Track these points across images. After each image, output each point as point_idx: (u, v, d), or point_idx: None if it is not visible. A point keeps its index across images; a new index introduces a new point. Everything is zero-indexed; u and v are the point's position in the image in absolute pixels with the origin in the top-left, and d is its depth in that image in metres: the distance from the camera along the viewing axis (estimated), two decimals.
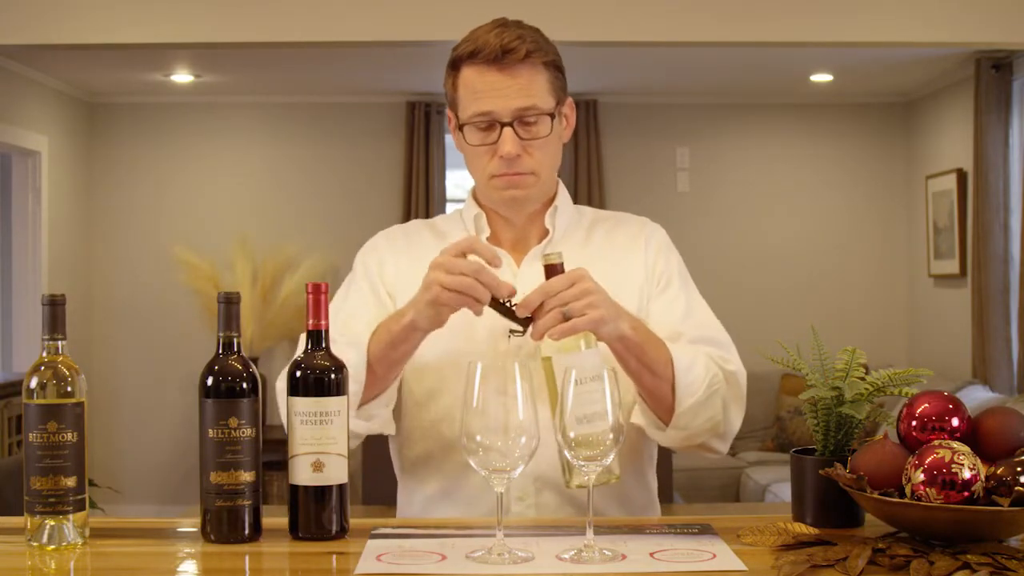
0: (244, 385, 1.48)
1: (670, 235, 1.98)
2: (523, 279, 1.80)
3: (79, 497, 1.47)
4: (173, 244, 6.70)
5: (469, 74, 1.78)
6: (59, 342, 1.48)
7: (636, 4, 4.68)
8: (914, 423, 1.47)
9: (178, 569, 1.41)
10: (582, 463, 1.39)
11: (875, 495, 1.39)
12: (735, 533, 1.49)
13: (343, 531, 1.51)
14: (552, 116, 1.79)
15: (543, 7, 4.42)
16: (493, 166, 1.78)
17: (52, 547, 1.45)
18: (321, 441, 1.49)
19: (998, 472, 1.38)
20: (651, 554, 1.40)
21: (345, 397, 1.52)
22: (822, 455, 1.58)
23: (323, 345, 1.52)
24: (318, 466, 1.49)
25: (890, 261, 7.03)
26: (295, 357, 1.55)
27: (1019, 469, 1.37)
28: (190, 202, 6.92)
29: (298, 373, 1.51)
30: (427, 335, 1.68)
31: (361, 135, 6.96)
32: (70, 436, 1.45)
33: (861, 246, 7.01)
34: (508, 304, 1.60)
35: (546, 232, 1.87)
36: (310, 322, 1.53)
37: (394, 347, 1.69)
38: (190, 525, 1.57)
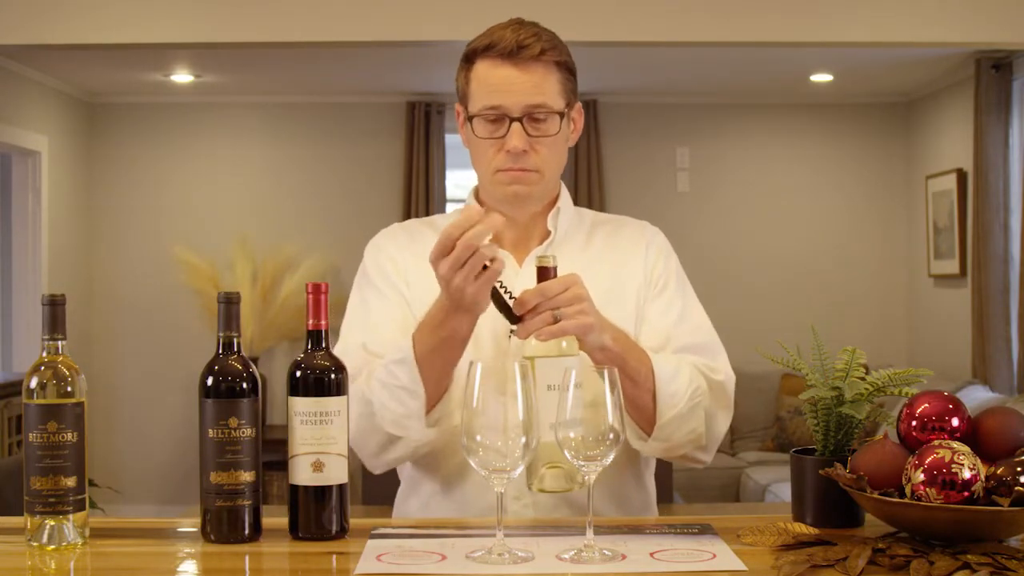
0: (244, 385, 1.48)
1: (669, 235, 1.98)
2: (524, 279, 1.80)
3: (79, 497, 1.47)
4: (173, 244, 6.70)
5: (483, 67, 1.78)
6: (59, 342, 1.48)
7: (636, 4, 4.68)
8: (914, 423, 1.47)
9: (178, 569, 1.41)
10: (582, 463, 1.39)
11: (875, 495, 1.39)
12: (735, 533, 1.49)
13: (343, 531, 1.51)
14: (561, 116, 1.79)
15: (543, 7, 4.41)
16: (499, 160, 1.79)
17: (52, 547, 1.45)
18: (321, 441, 1.49)
19: (998, 472, 1.38)
20: (651, 554, 1.40)
21: (345, 397, 1.52)
22: (822, 455, 1.58)
23: (323, 345, 1.52)
24: (318, 466, 1.49)
25: (890, 261, 7.03)
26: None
27: (1019, 469, 1.37)
28: (190, 202, 6.92)
29: (298, 373, 1.51)
30: (476, 318, 1.65)
31: (361, 135, 6.95)
32: (70, 436, 1.45)
33: (861, 246, 7.01)
34: (508, 297, 1.60)
35: (547, 233, 1.87)
36: (310, 322, 1.53)
37: (441, 352, 1.66)
38: (190, 525, 1.57)
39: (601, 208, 6.54)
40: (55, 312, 1.48)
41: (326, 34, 4.71)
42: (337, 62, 6.04)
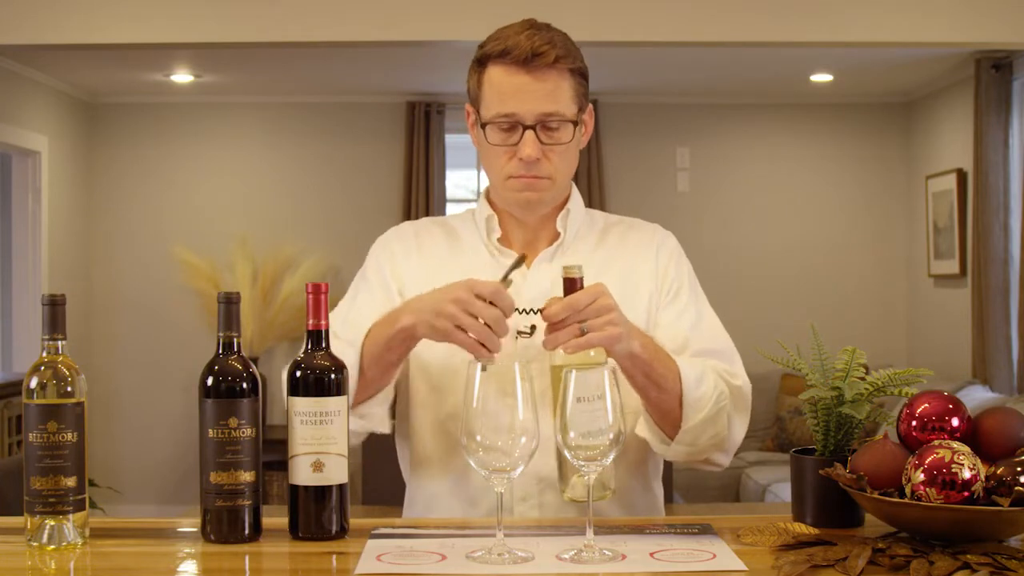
0: (244, 385, 1.48)
1: None
2: (532, 281, 1.80)
3: (79, 497, 1.47)
4: (173, 244, 6.70)
5: (496, 73, 1.78)
6: (59, 342, 1.48)
7: (636, 4, 4.68)
8: (914, 423, 1.47)
9: (178, 569, 1.41)
10: (582, 463, 1.39)
11: (875, 495, 1.39)
12: (735, 533, 1.49)
13: (343, 531, 1.51)
14: (575, 123, 1.79)
15: (543, 7, 4.41)
16: (511, 167, 1.78)
17: (52, 547, 1.45)
18: (321, 441, 1.49)
19: (998, 472, 1.38)
20: (651, 554, 1.40)
21: (345, 397, 1.52)
22: (822, 455, 1.58)
23: (323, 345, 1.52)
24: (318, 466, 1.49)
25: (890, 261, 7.03)
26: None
27: (1019, 469, 1.37)
28: (190, 202, 6.92)
29: (298, 373, 1.51)
30: (418, 340, 1.68)
31: (361, 135, 6.95)
32: (70, 436, 1.45)
33: (861, 246, 7.01)
34: (521, 309, 1.61)
35: (557, 235, 1.87)
36: (310, 322, 1.53)
37: (389, 350, 1.69)
38: (190, 525, 1.57)
39: (601, 208, 6.54)
40: (55, 312, 1.48)
41: (326, 34, 4.71)
42: (337, 62, 6.04)
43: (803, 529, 1.47)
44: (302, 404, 1.49)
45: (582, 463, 1.40)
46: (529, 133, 1.75)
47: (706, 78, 6.49)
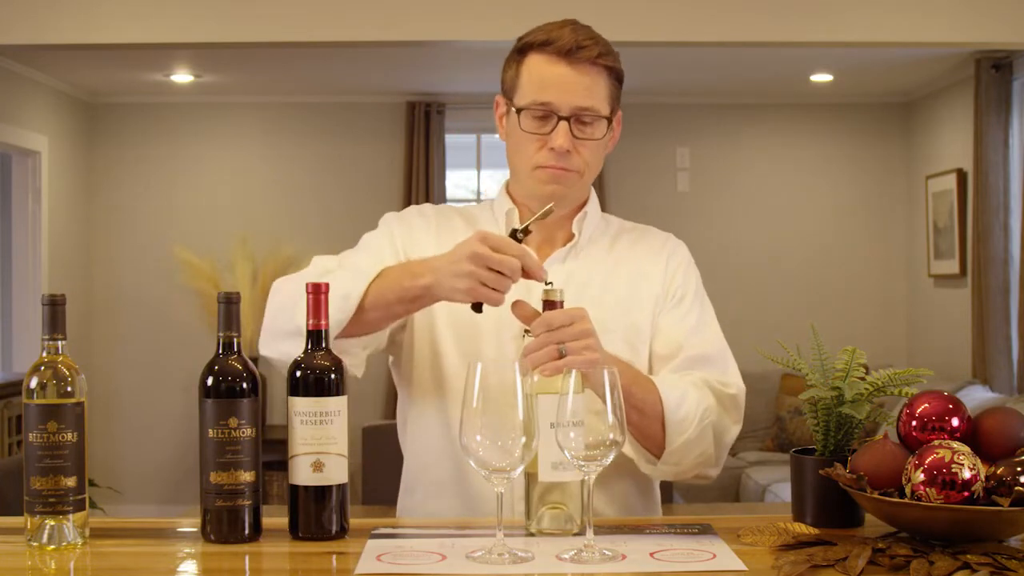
0: (244, 385, 1.48)
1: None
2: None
3: (79, 497, 1.47)
4: (173, 244, 6.70)
5: (537, 62, 1.78)
6: (59, 342, 1.48)
7: (636, 5, 4.68)
8: (914, 423, 1.47)
9: (178, 569, 1.41)
10: (582, 463, 1.39)
11: (875, 495, 1.39)
12: (735, 533, 1.49)
13: (343, 531, 1.51)
14: (608, 121, 1.79)
15: (543, 7, 4.41)
16: (540, 157, 1.78)
17: (52, 547, 1.45)
18: (321, 441, 1.49)
19: (998, 472, 1.38)
20: (651, 554, 1.40)
21: (345, 397, 1.52)
22: (822, 455, 1.58)
23: (323, 345, 1.52)
24: (318, 466, 1.49)
25: (890, 261, 7.03)
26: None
27: (1019, 469, 1.37)
28: (190, 202, 6.92)
29: (298, 373, 1.51)
30: (436, 302, 1.67)
31: (361, 135, 6.95)
32: (70, 436, 1.45)
33: (861, 246, 7.01)
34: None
35: (572, 236, 1.87)
36: (310, 322, 1.53)
37: (401, 303, 1.68)
38: (190, 525, 1.57)
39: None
40: (55, 312, 1.48)
41: (326, 34, 4.71)
42: (337, 62, 6.04)
43: (803, 529, 1.47)
44: (302, 404, 1.49)
45: (582, 463, 1.39)
46: (563, 124, 1.75)
47: (706, 78, 6.49)
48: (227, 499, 1.47)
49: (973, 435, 1.47)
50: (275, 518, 1.55)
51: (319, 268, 1.79)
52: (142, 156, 6.93)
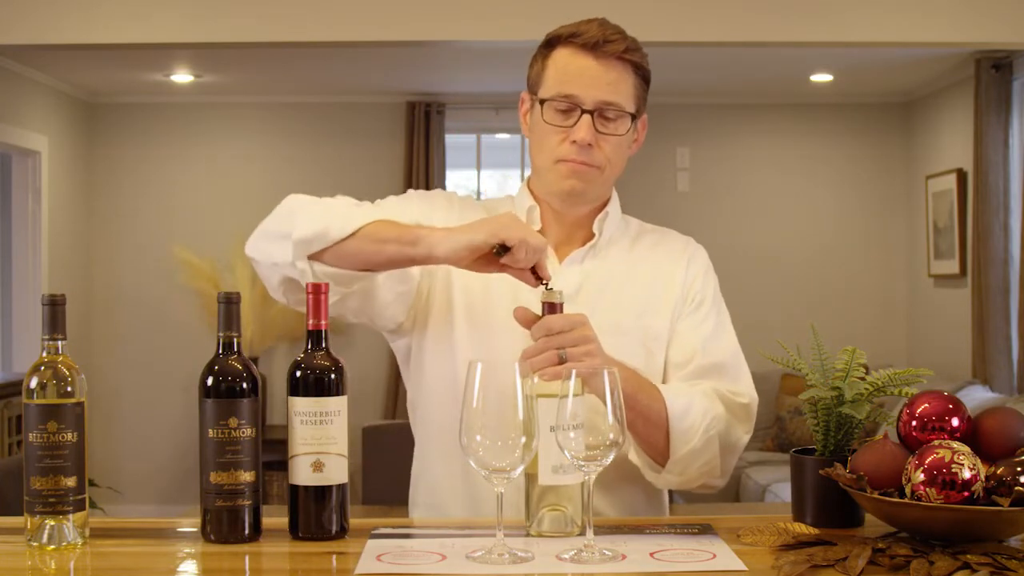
0: (244, 385, 1.48)
1: None
2: (561, 279, 1.79)
3: (79, 497, 1.47)
4: (173, 244, 6.70)
5: (563, 54, 1.77)
6: (59, 342, 1.47)
7: (636, 5, 4.68)
8: (914, 423, 1.47)
9: (178, 569, 1.41)
10: (582, 463, 1.39)
11: (875, 495, 1.39)
12: (735, 533, 1.49)
13: (343, 531, 1.51)
14: (632, 118, 1.79)
15: (543, 7, 4.42)
16: (562, 150, 1.77)
17: (52, 547, 1.45)
18: (321, 441, 1.49)
19: (998, 472, 1.38)
20: (651, 554, 1.40)
21: (345, 397, 1.52)
22: (822, 455, 1.58)
23: (323, 345, 1.52)
24: (318, 466, 1.49)
25: (890, 261, 7.03)
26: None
27: (1019, 469, 1.37)
28: (190, 202, 6.92)
29: (298, 373, 1.51)
30: (434, 262, 1.65)
31: (361, 135, 6.95)
32: (70, 436, 1.45)
33: (861, 246, 7.01)
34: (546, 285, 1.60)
35: (591, 236, 1.86)
36: (310, 322, 1.53)
37: (399, 243, 1.64)
38: (190, 525, 1.57)
39: None
40: (55, 312, 1.48)
41: (326, 34, 4.71)
42: (337, 62, 6.04)
43: (803, 529, 1.47)
44: (302, 404, 1.49)
45: (582, 463, 1.39)
46: (586, 117, 1.74)
47: (706, 78, 6.49)
48: (227, 499, 1.47)
49: (973, 435, 1.47)
50: (275, 518, 1.55)
51: (341, 201, 1.76)
52: (142, 156, 6.93)
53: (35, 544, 1.45)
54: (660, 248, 1.91)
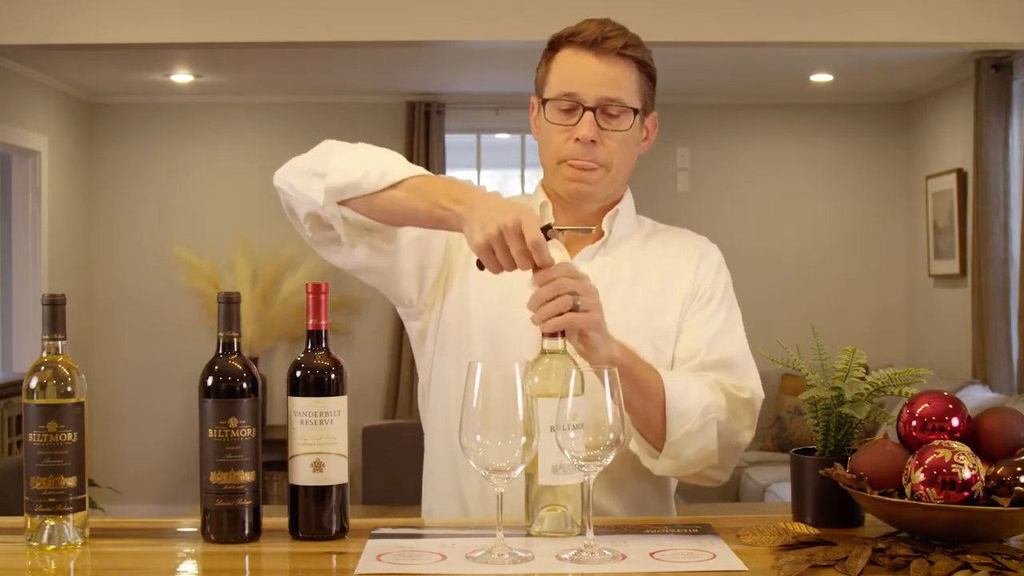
0: (244, 385, 1.48)
1: None
2: None
3: (79, 497, 1.47)
4: (173, 244, 6.70)
5: (565, 55, 1.79)
6: (59, 342, 1.48)
7: (635, 5, 4.68)
8: (914, 423, 1.47)
9: (178, 569, 1.41)
10: (582, 463, 1.39)
11: (875, 495, 1.39)
12: (735, 533, 1.49)
13: (343, 531, 1.51)
14: (636, 113, 1.79)
15: (543, 7, 4.41)
16: (567, 149, 1.78)
17: (52, 547, 1.45)
18: (321, 441, 1.49)
19: (998, 472, 1.38)
20: (651, 554, 1.40)
21: (345, 397, 1.52)
22: (822, 455, 1.58)
23: (323, 345, 1.52)
24: (318, 466, 1.49)
25: (890, 261, 7.03)
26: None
27: (1019, 469, 1.37)
28: (190, 202, 6.92)
29: (298, 373, 1.51)
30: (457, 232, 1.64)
31: (361, 135, 6.86)
32: (70, 436, 1.45)
33: (861, 246, 7.01)
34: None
35: (602, 233, 1.86)
36: (310, 322, 1.53)
37: (429, 210, 1.63)
38: (190, 525, 1.57)
39: None
40: (55, 312, 1.48)
41: (326, 34, 4.71)
42: (337, 62, 6.04)
43: (803, 529, 1.47)
44: (302, 404, 1.49)
45: (582, 463, 1.39)
46: (588, 115, 1.75)
47: (706, 78, 6.49)
48: (227, 499, 1.47)
49: (973, 435, 1.47)
50: (275, 518, 1.55)
51: (379, 152, 1.76)
52: (142, 156, 6.92)
53: (35, 544, 1.45)
54: (672, 246, 1.91)
